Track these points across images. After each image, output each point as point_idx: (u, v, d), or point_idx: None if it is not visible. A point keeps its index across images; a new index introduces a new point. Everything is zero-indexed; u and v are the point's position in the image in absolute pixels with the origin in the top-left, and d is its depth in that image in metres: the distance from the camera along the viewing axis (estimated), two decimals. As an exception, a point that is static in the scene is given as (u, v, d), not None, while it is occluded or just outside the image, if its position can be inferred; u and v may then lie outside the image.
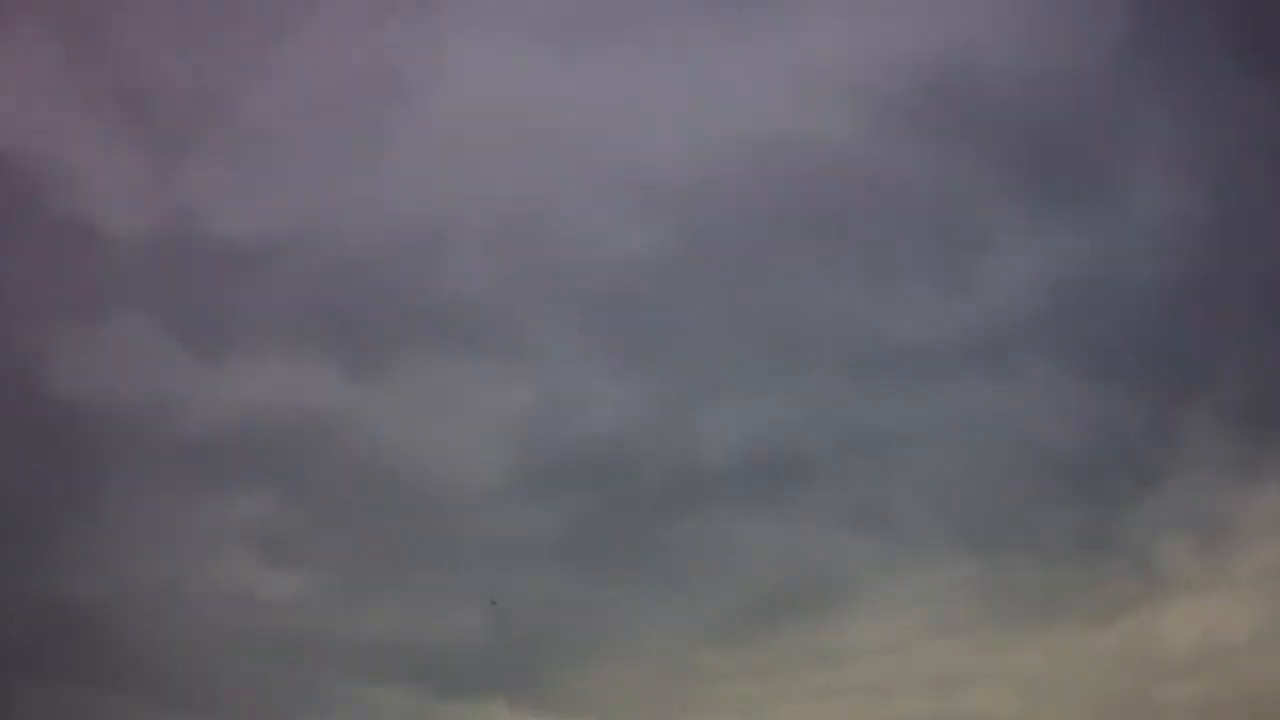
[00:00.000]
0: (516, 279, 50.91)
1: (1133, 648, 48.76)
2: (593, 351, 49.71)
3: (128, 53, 45.78)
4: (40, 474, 46.69)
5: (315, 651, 53.94)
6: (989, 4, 51.23)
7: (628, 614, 51.88)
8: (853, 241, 49.12)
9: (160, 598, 55.39)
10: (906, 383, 47.86)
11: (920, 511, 48.41)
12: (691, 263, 49.45)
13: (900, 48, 52.50)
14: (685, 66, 52.66)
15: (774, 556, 48.72)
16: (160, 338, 55.92)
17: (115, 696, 45.87)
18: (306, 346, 56.20)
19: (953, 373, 47.60)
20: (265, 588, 55.80)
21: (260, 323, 56.39)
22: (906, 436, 48.74)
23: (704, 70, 52.34)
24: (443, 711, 56.36)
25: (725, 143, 50.56)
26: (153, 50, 46.09)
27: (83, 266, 48.56)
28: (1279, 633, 50.78)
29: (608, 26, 49.54)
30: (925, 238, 48.85)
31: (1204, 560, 49.36)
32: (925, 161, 50.37)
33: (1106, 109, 51.48)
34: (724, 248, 49.71)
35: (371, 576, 57.42)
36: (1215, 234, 50.04)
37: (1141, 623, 48.48)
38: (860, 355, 47.64)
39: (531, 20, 48.59)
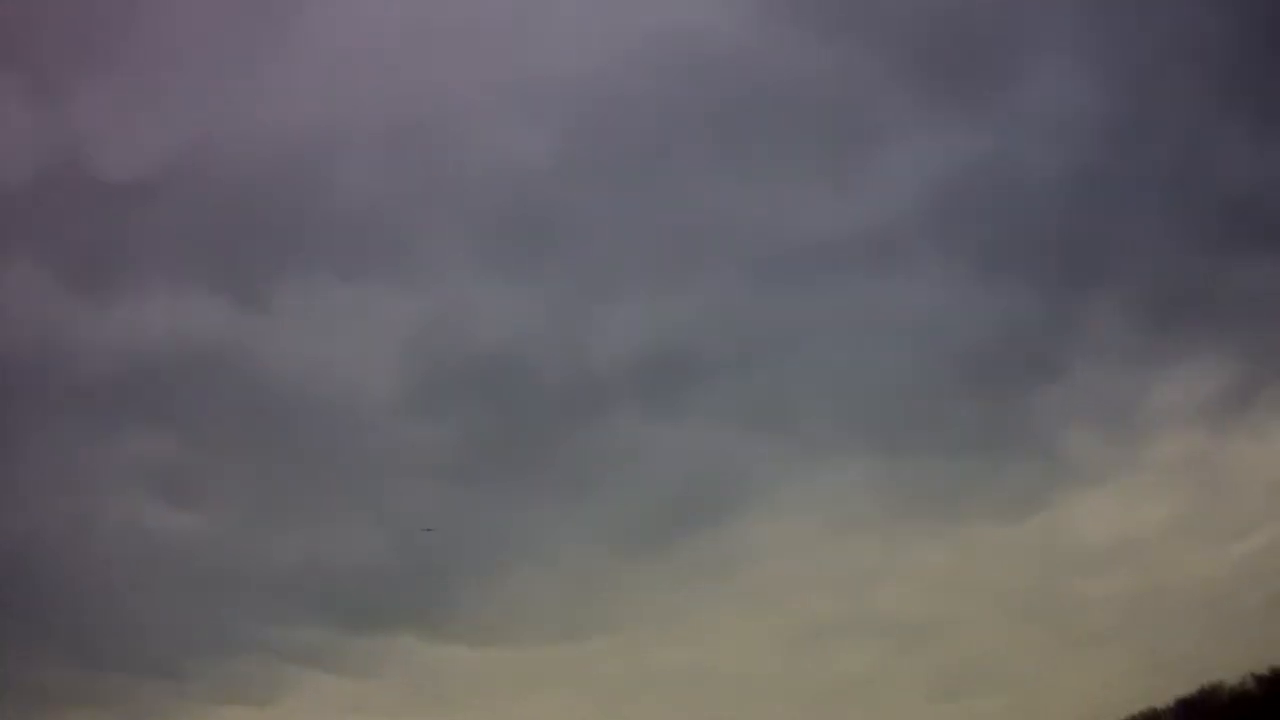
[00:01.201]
0: (405, 192, 49.66)
1: (1042, 542, 48.36)
2: (486, 261, 48.74)
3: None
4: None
5: (219, 589, 51.58)
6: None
7: (531, 530, 50.67)
8: (747, 139, 48.57)
9: (62, 541, 52.24)
10: (805, 281, 47.48)
11: (822, 411, 47.95)
12: (584, 166, 48.62)
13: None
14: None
15: (677, 462, 47.97)
16: (48, 281, 53.16)
17: (18, 636, 43.53)
18: (195, 279, 54.11)
19: (851, 270, 47.34)
20: (167, 526, 53.41)
21: (147, 258, 54.11)
22: (806, 335, 48.31)
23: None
24: (351, 647, 54.14)
25: (616, 39, 49.50)
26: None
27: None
28: (1190, 524, 50.21)
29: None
30: (820, 134, 48.42)
31: (1111, 452, 49.14)
32: (819, 55, 49.63)
33: (1006, 4, 51.13)
34: (617, 149, 48.97)
35: (272, 509, 55.00)
36: (1113, 128, 49.96)
37: (1050, 517, 48.18)
38: (757, 255, 47.19)
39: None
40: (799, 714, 49.22)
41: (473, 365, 49.84)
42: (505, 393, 49.52)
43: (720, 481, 48.39)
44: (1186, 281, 49.56)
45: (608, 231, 48.30)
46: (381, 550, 53.41)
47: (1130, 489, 49.99)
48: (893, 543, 48.47)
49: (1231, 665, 38.50)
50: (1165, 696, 39.22)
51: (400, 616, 53.20)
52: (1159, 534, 49.22)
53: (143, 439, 52.37)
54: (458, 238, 49.64)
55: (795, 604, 47.60)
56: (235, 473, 53.93)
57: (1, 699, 40.88)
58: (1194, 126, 49.54)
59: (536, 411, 48.93)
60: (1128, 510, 49.91)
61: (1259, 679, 36.28)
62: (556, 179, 48.21)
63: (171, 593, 50.83)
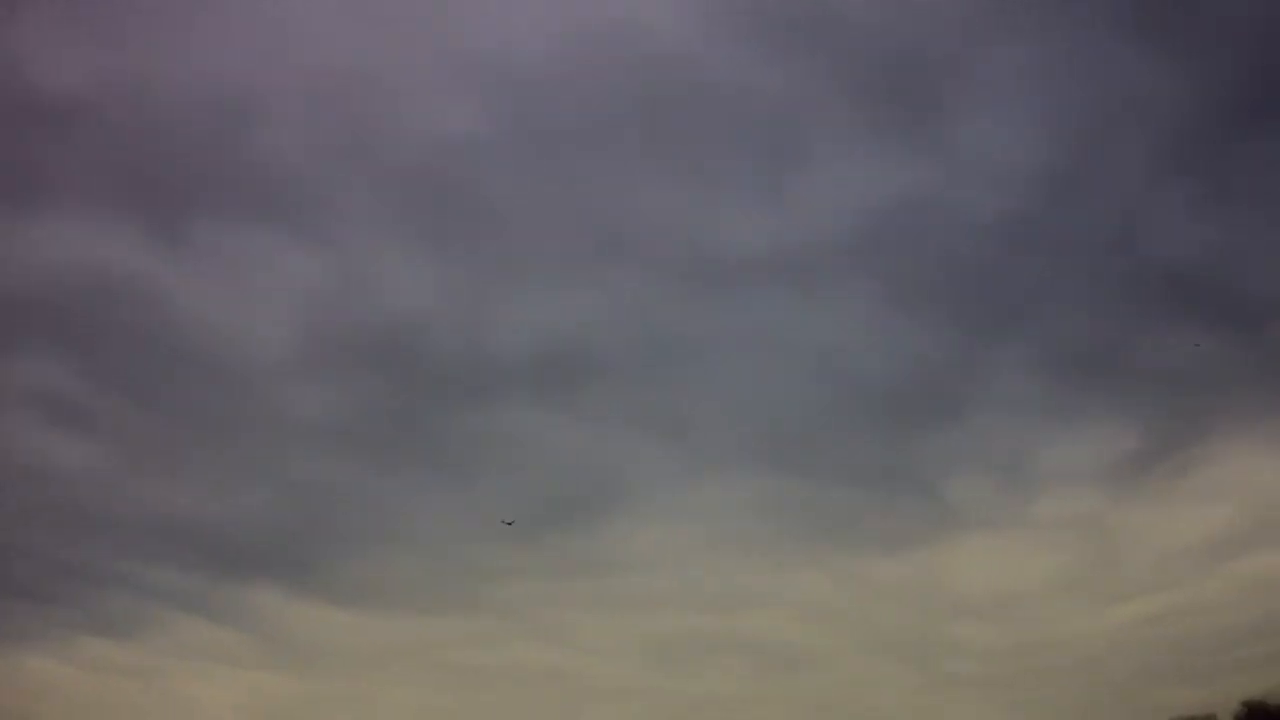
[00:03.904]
0: (328, 149, 48.32)
1: (922, 583, 47.99)
2: (397, 229, 47.56)
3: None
4: None
5: (98, 522, 50.34)
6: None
7: (410, 505, 49.81)
8: (681, 143, 47.61)
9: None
10: (716, 292, 46.67)
11: (716, 424, 47.29)
12: (510, 147, 47.43)
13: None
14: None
15: (563, 457, 47.17)
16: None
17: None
18: (111, 207, 52.51)
19: (764, 287, 46.56)
20: (51, 456, 51.91)
21: (66, 181, 52.35)
22: (710, 346, 47.50)
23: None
24: (219, 595, 53.12)
25: (559, 26, 48.16)
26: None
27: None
28: (1071, 584, 49.98)
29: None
30: (752, 147, 47.52)
31: (1002, 501, 48.81)
32: (763, 69, 48.58)
33: (958, 40, 50.34)
34: (546, 136, 47.78)
35: (159, 449, 53.67)
36: (1052, 179, 49.41)
37: (933, 558, 47.78)
38: (672, 259, 46.32)
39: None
40: (653, 728, 48.68)
41: (371, 333, 48.88)
42: (400, 365, 48.58)
43: (604, 482, 47.81)
44: (1099, 343, 49.45)
45: (525, 216, 47.29)
46: (260, 506, 52.59)
47: (1016, 541, 49.81)
48: (772, 565, 48.07)
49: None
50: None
51: (271, 572, 52.49)
52: (1039, 589, 49.16)
53: (42, 361, 51.26)
54: (372, 202, 48.59)
55: (665, 615, 47.15)
56: (126, 409, 52.89)
57: None
58: (1130, 191, 49.20)
59: (430, 388, 48.03)
60: (1011, 562, 49.77)
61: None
62: (479, 157, 47.14)
63: (50, 519, 49.88)
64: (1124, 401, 48.28)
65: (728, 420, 46.39)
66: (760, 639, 46.65)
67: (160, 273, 49.87)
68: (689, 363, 46.20)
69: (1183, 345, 48.39)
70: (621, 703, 45.95)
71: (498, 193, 48.21)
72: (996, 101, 50.51)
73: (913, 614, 46.82)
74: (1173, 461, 49.68)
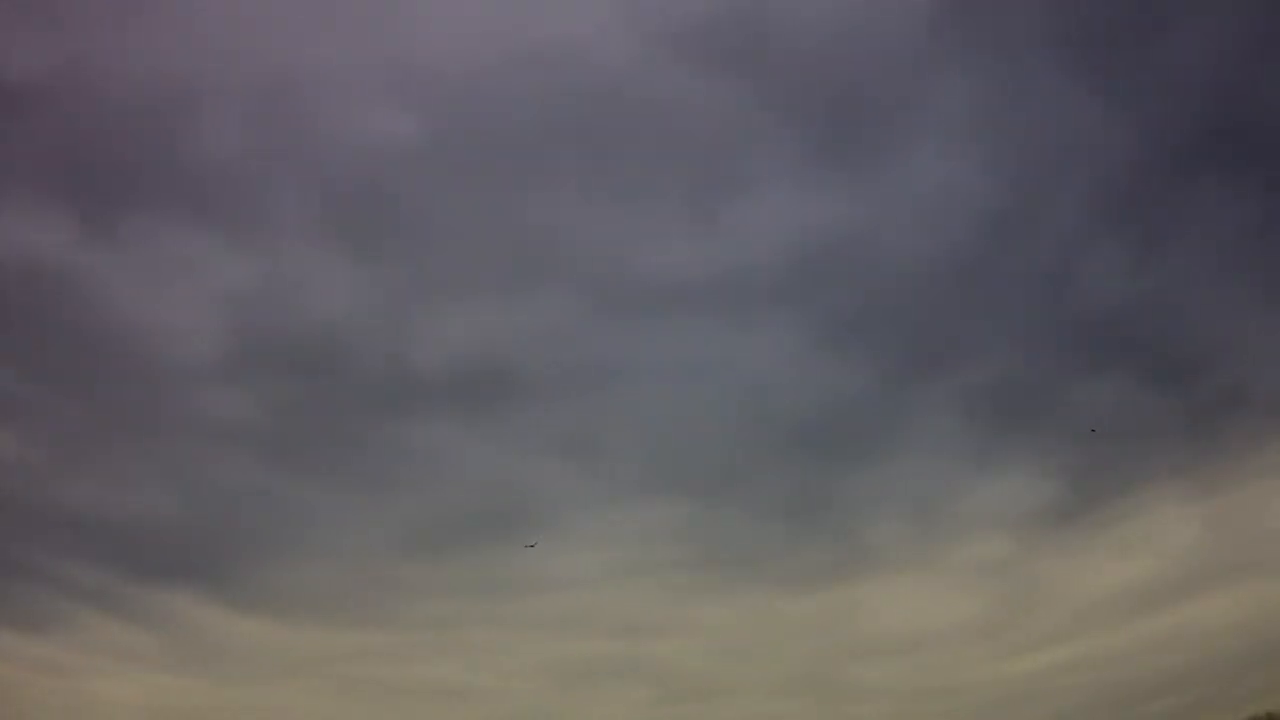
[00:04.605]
0: (265, 151, 47.58)
1: (832, 621, 47.57)
2: (329, 237, 46.91)
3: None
4: None
5: (11, 516, 49.64)
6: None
7: (326, 515, 49.20)
8: (614, 166, 46.97)
9: None
10: (642, 317, 46.08)
11: (633, 450, 46.77)
12: (445, 159, 46.76)
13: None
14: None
15: (479, 475, 46.57)
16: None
17: None
18: (44, 198, 51.64)
19: (691, 314, 46.02)
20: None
21: (1, 170, 51.28)
22: (632, 372, 46.95)
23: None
24: (129, 595, 52.49)
25: (501, 41, 47.45)
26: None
27: None
28: (984, 628, 49.66)
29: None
30: (689, 172, 46.91)
31: (918, 543, 48.43)
32: (704, 94, 47.93)
33: (904, 78, 49.79)
34: (482, 150, 47.13)
35: (78, 444, 52.92)
36: (989, 222, 48.99)
37: (845, 597, 47.38)
38: (599, 282, 45.70)
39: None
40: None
41: (296, 340, 48.32)
42: (324, 374, 48.02)
43: (518, 503, 47.26)
44: (1027, 390, 49.05)
45: (454, 231, 46.71)
46: (176, 506, 52.06)
47: (931, 584, 49.44)
48: (682, 595, 47.67)
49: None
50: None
51: (184, 574, 52.01)
52: (951, 633, 48.84)
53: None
54: (306, 208, 47.95)
55: (573, 639, 46.69)
56: (50, 401, 52.34)
57: None
58: (1067, 238, 48.80)
59: (352, 398, 47.51)
60: (924, 605, 49.42)
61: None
62: (413, 168, 46.55)
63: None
64: (1048, 450, 48.07)
65: (646, 447, 46.03)
66: (666, 668, 46.38)
67: (92, 267, 49.30)
68: (610, 388, 45.83)
69: (1109, 397, 48.46)
70: (520, 722, 45.57)
71: (429, 206, 47.66)
72: (940, 140, 50.06)
73: (821, 652, 46.60)
74: (1094, 512, 49.51)
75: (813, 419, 46.03)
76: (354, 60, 46.76)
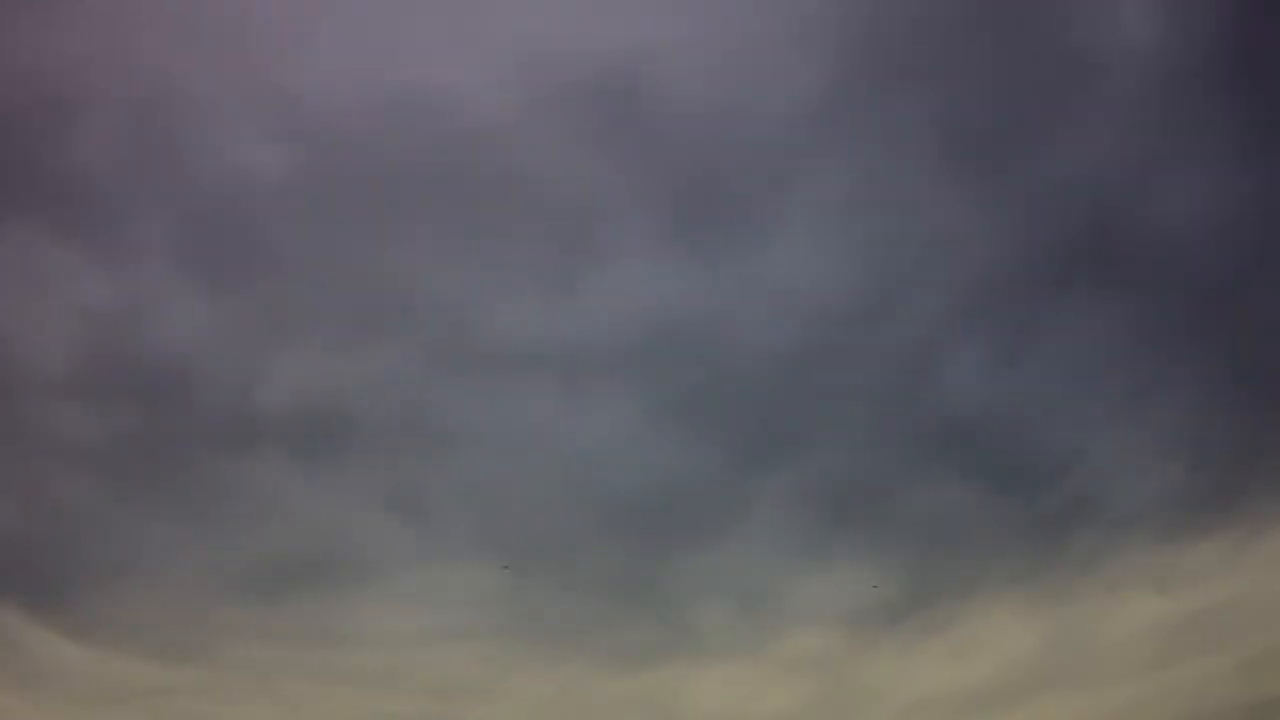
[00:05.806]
0: (131, 167, 47.61)
1: (651, 704, 47.10)
2: (185, 261, 46.90)
3: None
4: None
5: None
6: (692, 23, 49.13)
7: (157, 545, 48.80)
8: (476, 222, 47.09)
9: None
10: (483, 380, 45.96)
11: (459, 513, 46.44)
12: (307, 196, 46.92)
13: (586, 38, 49.77)
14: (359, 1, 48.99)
15: (307, 520, 46.25)
16: None
17: None
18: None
19: (533, 382, 45.90)
20: None
21: None
22: (467, 433, 46.78)
23: (375, 10, 48.95)
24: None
25: (381, 83, 47.68)
26: None
27: None
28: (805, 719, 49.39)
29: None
30: (551, 237, 47.02)
31: (745, 631, 48.01)
32: (574, 161, 48.21)
33: (778, 162, 50.05)
34: (346, 191, 47.30)
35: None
36: (847, 314, 49.00)
37: (666, 680, 46.87)
38: (445, 338, 45.65)
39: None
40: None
41: (145, 364, 48.10)
42: (169, 401, 47.68)
43: (341, 552, 46.80)
44: (869, 486, 48.59)
45: (310, 269, 46.73)
46: (10, 521, 51.67)
47: (754, 673, 48.77)
48: (497, 662, 46.94)
49: None
50: None
51: (10, 591, 51.64)
52: (773, 723, 48.52)
53: None
54: (166, 230, 47.92)
55: (386, 696, 46.11)
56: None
57: None
58: (926, 336, 48.78)
59: (193, 429, 47.23)
60: (745, 693, 48.74)
61: None
62: (274, 202, 46.59)
63: None
64: (885, 547, 47.67)
65: (473, 510, 45.72)
66: (474, 736, 45.80)
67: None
68: (443, 447, 45.58)
69: (950, 501, 48.31)
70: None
71: (287, 242, 47.70)
72: (806, 228, 50.19)
73: (634, 734, 46.14)
74: (927, 613, 48.97)
75: (645, 496, 45.80)
76: (231, 86, 46.97)
